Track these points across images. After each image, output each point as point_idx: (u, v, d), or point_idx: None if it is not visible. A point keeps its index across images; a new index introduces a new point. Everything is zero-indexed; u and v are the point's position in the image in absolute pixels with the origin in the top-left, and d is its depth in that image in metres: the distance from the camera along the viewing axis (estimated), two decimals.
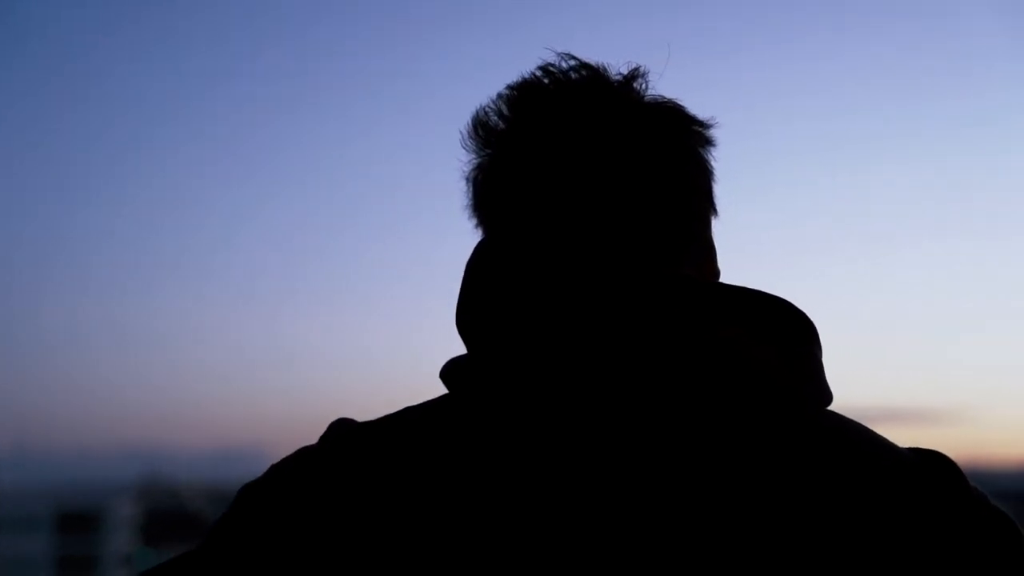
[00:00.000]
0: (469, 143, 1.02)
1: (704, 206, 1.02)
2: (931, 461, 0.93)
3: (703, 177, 1.02)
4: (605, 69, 1.01)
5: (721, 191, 1.03)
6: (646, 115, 1.00)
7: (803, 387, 0.92)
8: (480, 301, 0.98)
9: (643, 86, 1.00)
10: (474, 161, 1.02)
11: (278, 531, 0.91)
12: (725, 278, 1.02)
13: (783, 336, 0.94)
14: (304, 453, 0.97)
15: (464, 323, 0.98)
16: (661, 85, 1.01)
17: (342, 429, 0.98)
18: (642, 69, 1.01)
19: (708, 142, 1.02)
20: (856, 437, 0.93)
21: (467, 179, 1.03)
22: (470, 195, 1.03)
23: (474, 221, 1.03)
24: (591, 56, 1.02)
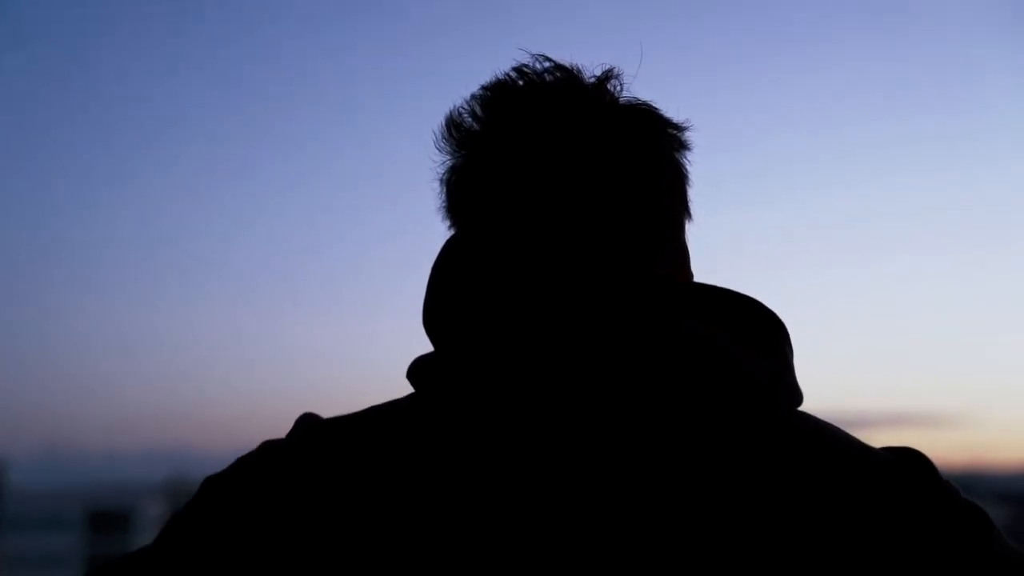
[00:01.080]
0: (443, 144, 1.02)
1: (678, 210, 1.02)
2: (905, 459, 0.92)
3: (677, 180, 1.02)
4: (580, 71, 1.01)
5: (715, 195, 1.16)
6: (620, 117, 0.99)
7: (776, 387, 0.90)
8: (448, 298, 0.96)
9: (618, 88, 1.01)
10: (448, 163, 1.03)
11: (242, 525, 0.90)
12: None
13: (754, 336, 0.93)
14: (270, 447, 0.96)
15: (431, 320, 0.96)
16: (637, 86, 1.02)
17: (309, 424, 0.97)
18: (616, 71, 1.01)
19: (683, 145, 1.02)
20: (830, 438, 0.92)
21: (441, 181, 1.03)
22: (443, 197, 1.03)
23: (447, 223, 1.03)
24: (567, 58, 1.01)
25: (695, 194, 1.05)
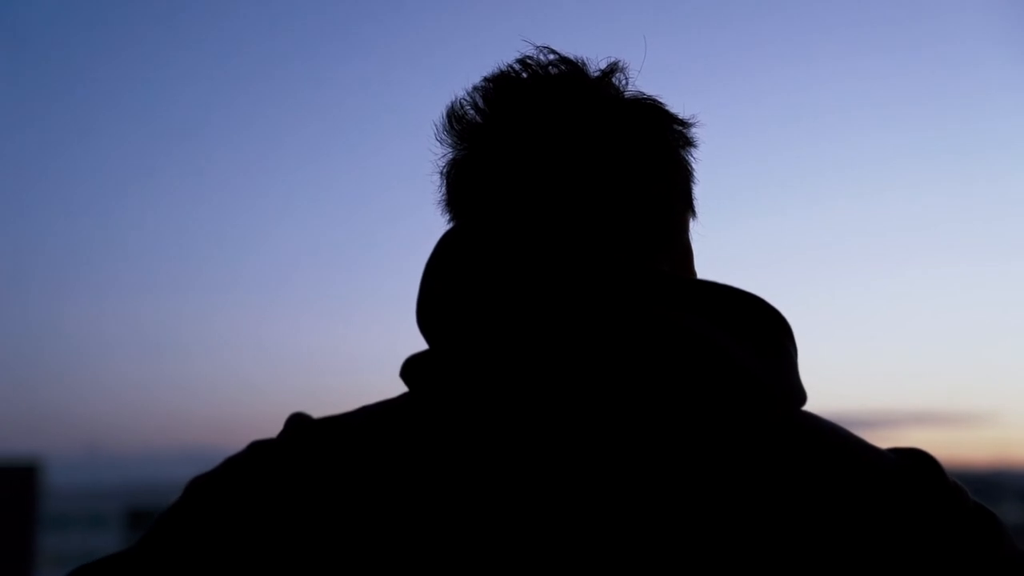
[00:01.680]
0: (443, 136, 0.99)
1: (682, 207, 0.99)
2: (912, 460, 0.89)
3: (682, 177, 0.99)
4: (584, 63, 0.97)
5: (710, 195, 1.00)
6: (624, 112, 0.96)
7: (777, 386, 0.86)
8: (443, 294, 0.92)
9: (623, 81, 0.97)
10: (448, 155, 0.99)
11: (226, 526, 0.87)
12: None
13: (757, 333, 0.89)
14: (259, 447, 0.92)
15: (425, 317, 0.93)
16: (643, 82, 0.98)
17: (300, 424, 0.93)
18: (622, 64, 0.98)
19: (689, 142, 0.99)
20: (833, 438, 0.88)
21: (440, 174, 1.00)
22: (443, 191, 1.00)
23: (447, 216, 1.00)
24: (572, 50, 0.98)
25: (700, 192, 1.02)
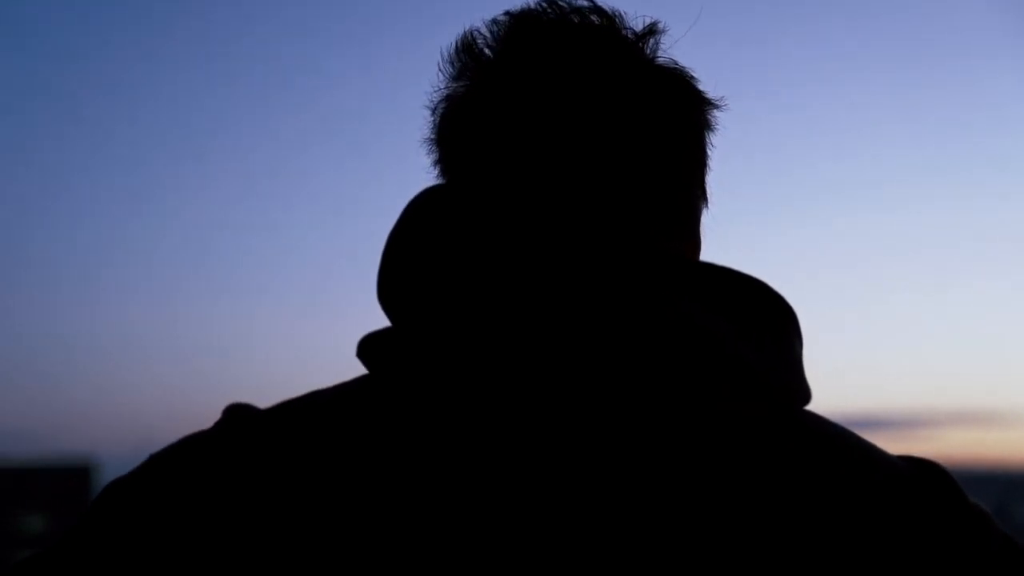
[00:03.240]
0: (448, 68, 0.88)
1: (698, 193, 0.90)
2: (924, 470, 0.81)
3: (703, 161, 0.90)
4: (621, 17, 0.88)
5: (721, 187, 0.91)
6: (657, 79, 0.87)
7: (778, 382, 0.78)
8: (414, 260, 0.81)
9: (656, 46, 0.88)
10: (448, 88, 0.89)
11: (142, 536, 0.76)
12: None
13: (760, 324, 0.80)
14: (188, 440, 0.81)
15: (389, 287, 0.81)
16: (678, 53, 0.88)
17: (238, 414, 0.82)
18: (661, 27, 0.88)
19: (711, 126, 0.90)
20: (841, 441, 0.80)
21: (433, 108, 0.89)
22: (434, 126, 0.89)
23: (433, 156, 0.89)
24: (609, 2, 0.88)
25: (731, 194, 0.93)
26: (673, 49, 0.90)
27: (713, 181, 0.92)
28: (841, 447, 0.80)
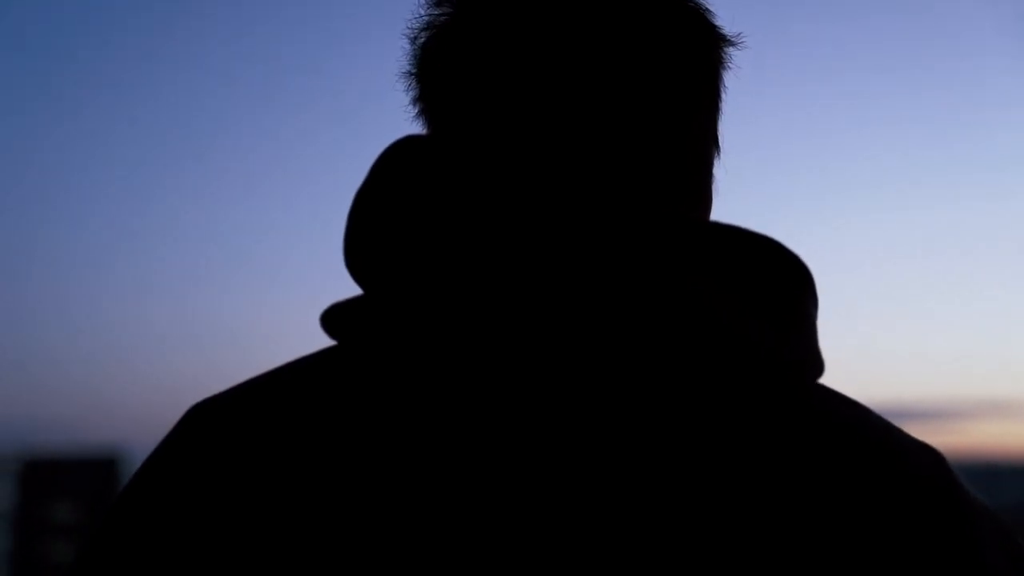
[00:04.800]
0: None
1: (712, 143, 0.79)
2: (933, 456, 0.72)
3: (718, 106, 0.79)
4: None
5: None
6: (672, 12, 0.75)
7: (790, 357, 0.69)
8: (387, 219, 0.71)
9: None
10: (427, 17, 0.76)
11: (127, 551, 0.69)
12: None
13: (772, 288, 0.71)
14: (157, 457, 0.72)
15: (358, 250, 0.71)
16: None
17: (194, 409, 0.73)
18: None
19: (727, 66, 0.78)
20: (853, 425, 0.71)
21: (413, 38, 0.77)
22: (413, 58, 0.77)
23: (413, 93, 0.77)
24: None
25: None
26: None
27: (726, 129, 0.81)
28: (853, 433, 0.70)
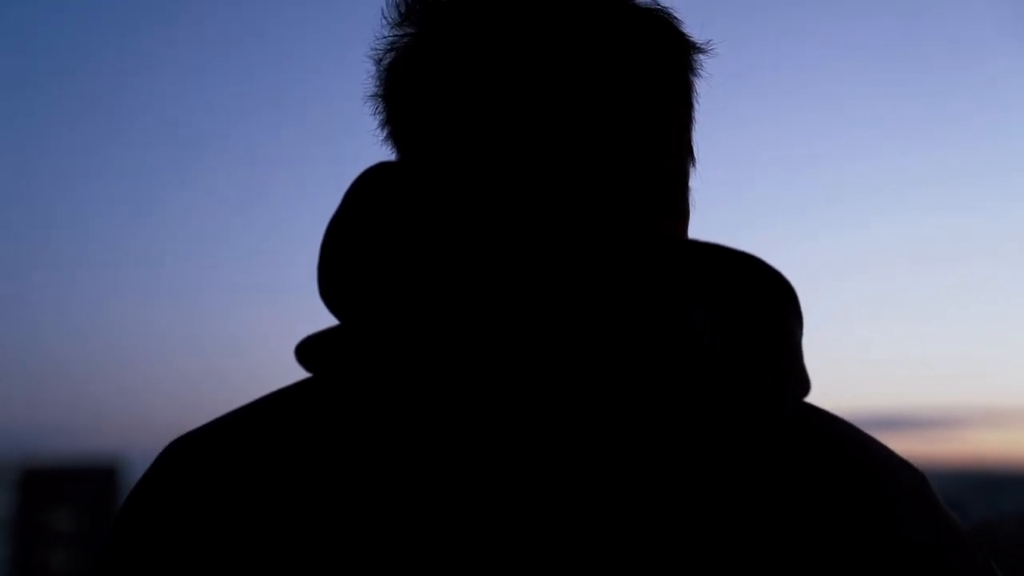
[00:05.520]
0: (391, 15, 0.75)
1: (686, 154, 0.77)
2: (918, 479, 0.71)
3: (691, 115, 0.77)
4: None
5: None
6: (639, 20, 0.74)
7: (772, 377, 0.67)
8: (361, 248, 0.69)
9: None
10: (391, 37, 0.75)
11: None
12: None
13: (755, 306, 0.69)
14: (136, 497, 0.71)
15: (332, 281, 0.70)
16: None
17: (171, 445, 0.72)
18: None
19: (698, 74, 0.77)
20: (838, 444, 0.69)
21: (378, 59, 0.75)
22: (379, 80, 0.75)
23: (381, 116, 0.76)
24: None
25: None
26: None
27: (700, 137, 0.80)
28: (837, 451, 0.69)
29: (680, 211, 0.77)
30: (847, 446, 0.70)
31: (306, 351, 0.69)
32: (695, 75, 0.77)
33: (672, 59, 0.75)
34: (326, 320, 0.72)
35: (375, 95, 0.76)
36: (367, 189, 0.72)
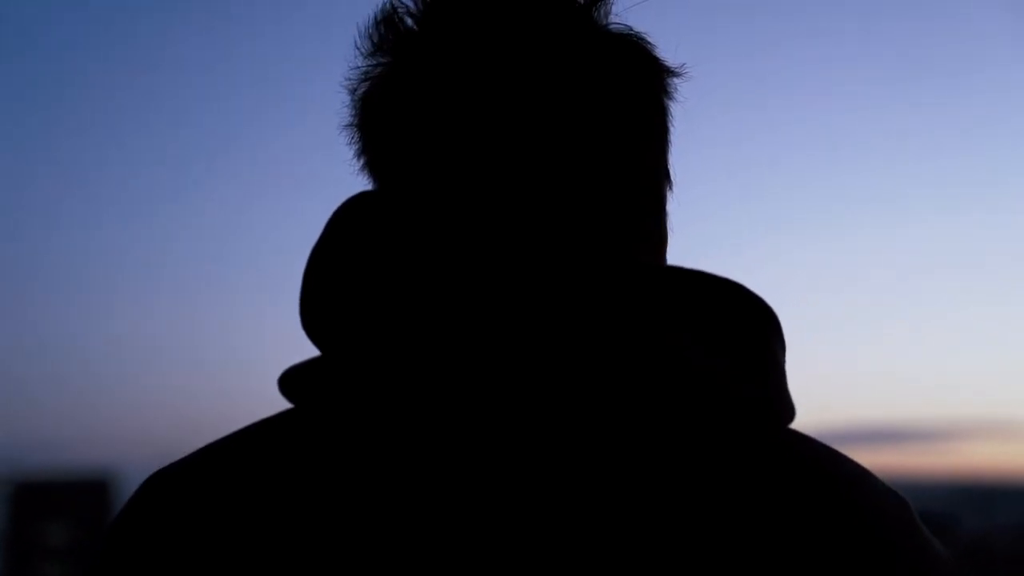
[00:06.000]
0: (365, 45, 0.75)
1: (663, 178, 0.78)
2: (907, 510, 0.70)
3: (666, 139, 0.78)
4: None
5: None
6: (614, 47, 0.74)
7: (760, 403, 0.67)
8: (341, 280, 0.69)
9: (607, 11, 0.75)
10: (365, 67, 0.75)
11: None
12: None
13: (738, 333, 0.69)
14: (117, 532, 0.71)
15: (314, 312, 0.70)
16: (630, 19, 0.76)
17: (151, 478, 0.72)
18: None
19: (672, 98, 0.78)
20: (829, 468, 0.69)
21: (352, 89, 0.76)
22: (354, 110, 0.76)
23: (356, 146, 0.76)
24: None
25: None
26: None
27: (677, 160, 0.80)
28: (823, 482, 0.68)
29: (658, 236, 0.78)
30: (833, 477, 0.69)
31: (288, 382, 0.70)
32: (670, 99, 0.78)
33: (646, 84, 0.76)
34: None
35: (350, 125, 0.77)
36: (346, 221, 0.72)
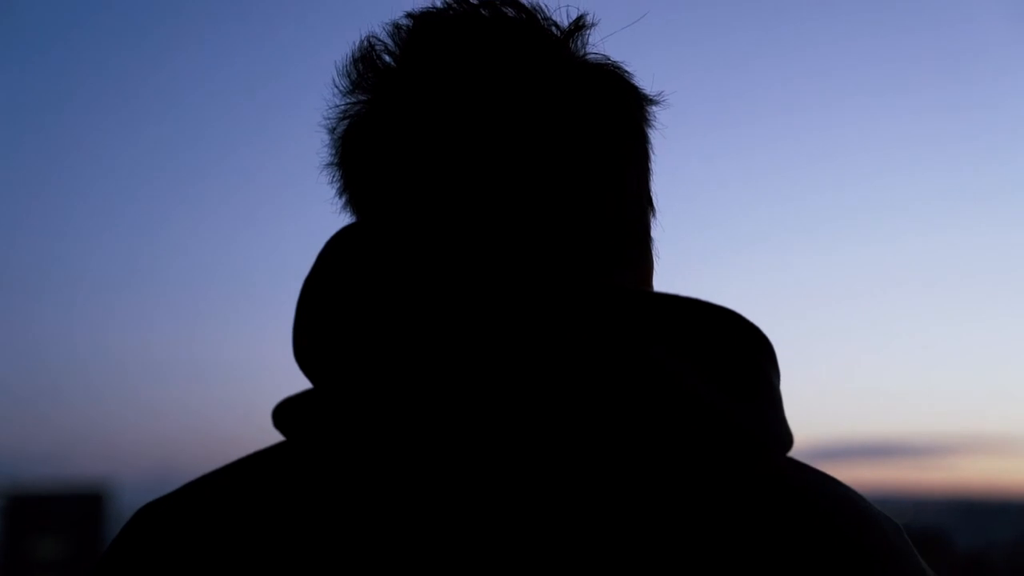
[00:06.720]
0: (342, 84, 0.75)
1: (646, 205, 0.78)
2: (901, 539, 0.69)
3: (647, 167, 0.78)
4: (540, 9, 0.75)
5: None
6: (590, 78, 0.75)
7: (758, 431, 0.66)
8: (331, 314, 0.69)
9: (584, 42, 0.76)
10: (344, 106, 0.76)
11: None
12: None
13: (733, 360, 0.69)
14: (104, 554, 0.72)
15: (306, 345, 0.70)
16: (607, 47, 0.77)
17: (141, 511, 0.73)
18: (589, 20, 0.76)
19: (652, 126, 0.78)
20: (828, 498, 0.68)
21: (331, 128, 0.76)
22: (334, 149, 0.76)
23: (337, 185, 0.77)
24: None
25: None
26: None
27: (658, 188, 0.80)
28: (818, 506, 0.67)
29: (643, 262, 0.78)
30: (823, 507, 0.68)
31: (280, 416, 0.70)
32: (649, 127, 0.79)
33: (625, 114, 0.77)
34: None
35: (331, 163, 0.78)
36: (338, 253, 0.73)
